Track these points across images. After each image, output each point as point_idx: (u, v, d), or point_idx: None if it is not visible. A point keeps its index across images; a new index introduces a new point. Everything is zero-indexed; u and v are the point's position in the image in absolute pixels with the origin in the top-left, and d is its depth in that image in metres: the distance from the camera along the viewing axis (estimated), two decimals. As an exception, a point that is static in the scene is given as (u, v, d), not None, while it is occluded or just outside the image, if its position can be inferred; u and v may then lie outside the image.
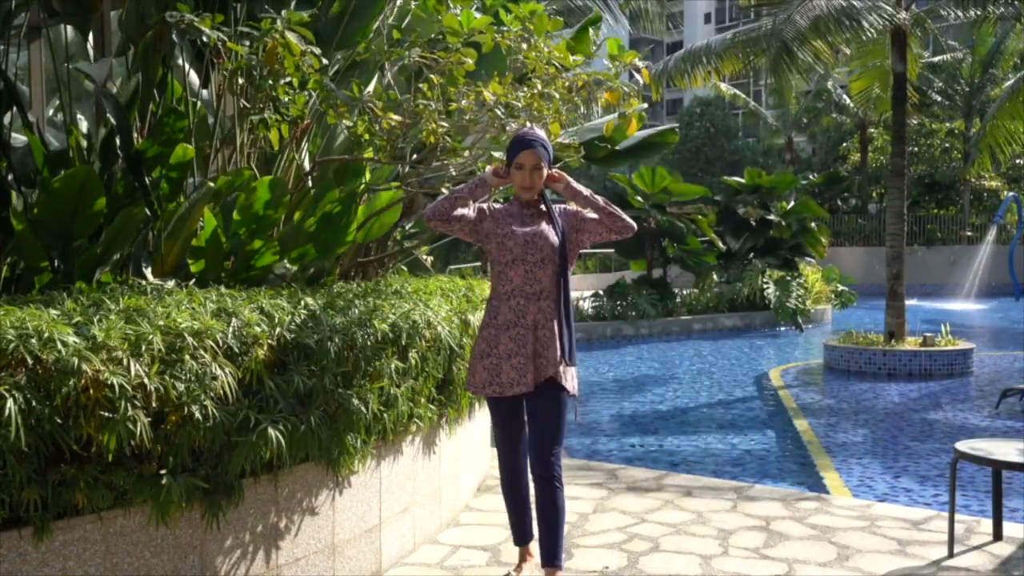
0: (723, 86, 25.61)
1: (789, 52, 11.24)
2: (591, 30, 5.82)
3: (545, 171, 3.41)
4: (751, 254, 17.93)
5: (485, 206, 3.50)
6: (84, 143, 4.12)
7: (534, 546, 3.57)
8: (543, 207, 3.48)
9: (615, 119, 4.31)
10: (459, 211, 3.40)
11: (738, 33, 12.75)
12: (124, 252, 3.70)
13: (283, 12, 3.92)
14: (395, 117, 4.07)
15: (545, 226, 3.43)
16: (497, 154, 4.47)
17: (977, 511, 5.15)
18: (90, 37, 4.80)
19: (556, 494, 3.37)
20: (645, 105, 4.27)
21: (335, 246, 4.07)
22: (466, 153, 4.54)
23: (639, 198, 15.73)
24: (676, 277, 18.17)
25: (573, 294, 3.51)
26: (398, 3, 5.10)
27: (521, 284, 3.37)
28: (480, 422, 5.06)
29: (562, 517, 3.41)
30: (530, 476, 3.47)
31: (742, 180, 18.28)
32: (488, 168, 3.58)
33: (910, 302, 13.00)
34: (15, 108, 3.89)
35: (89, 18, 4.08)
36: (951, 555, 3.94)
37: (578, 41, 5.64)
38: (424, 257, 6.17)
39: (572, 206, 3.53)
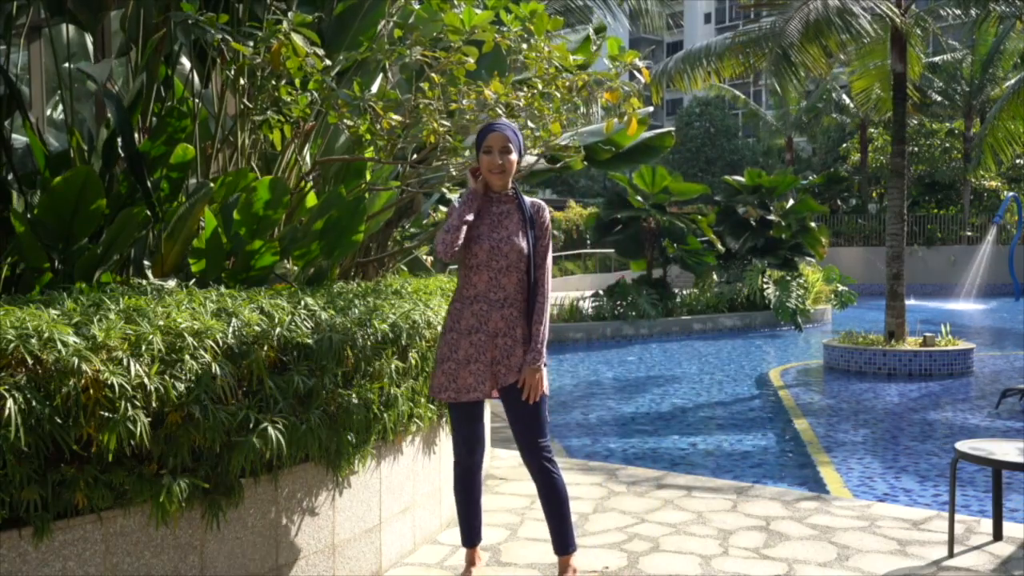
0: (722, 86, 25.68)
1: (787, 58, 11.23)
2: (591, 32, 5.81)
3: (515, 158, 3.33)
4: (751, 254, 17.92)
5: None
6: (84, 144, 4.12)
7: (482, 551, 3.71)
8: (517, 203, 3.39)
9: (615, 120, 4.31)
10: (464, 233, 3.30)
11: (738, 34, 12.74)
12: (124, 252, 3.70)
13: (288, 14, 3.92)
14: (396, 117, 4.07)
15: (515, 229, 3.35)
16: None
17: (977, 511, 5.16)
18: (89, 38, 4.80)
19: (555, 480, 3.37)
20: (650, 109, 4.26)
21: (341, 247, 4.07)
22: (466, 153, 4.54)
23: (639, 198, 15.73)
24: (676, 277, 18.17)
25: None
26: (401, 3, 5.10)
27: (485, 290, 3.33)
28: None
29: (566, 502, 3.41)
30: (483, 478, 3.50)
31: (742, 180, 18.28)
32: (468, 176, 3.44)
33: (910, 302, 13.01)
34: (16, 109, 3.89)
35: (97, 17, 4.07)
36: (951, 555, 3.94)
37: (579, 50, 5.63)
38: (424, 257, 6.18)
39: (539, 205, 3.44)
